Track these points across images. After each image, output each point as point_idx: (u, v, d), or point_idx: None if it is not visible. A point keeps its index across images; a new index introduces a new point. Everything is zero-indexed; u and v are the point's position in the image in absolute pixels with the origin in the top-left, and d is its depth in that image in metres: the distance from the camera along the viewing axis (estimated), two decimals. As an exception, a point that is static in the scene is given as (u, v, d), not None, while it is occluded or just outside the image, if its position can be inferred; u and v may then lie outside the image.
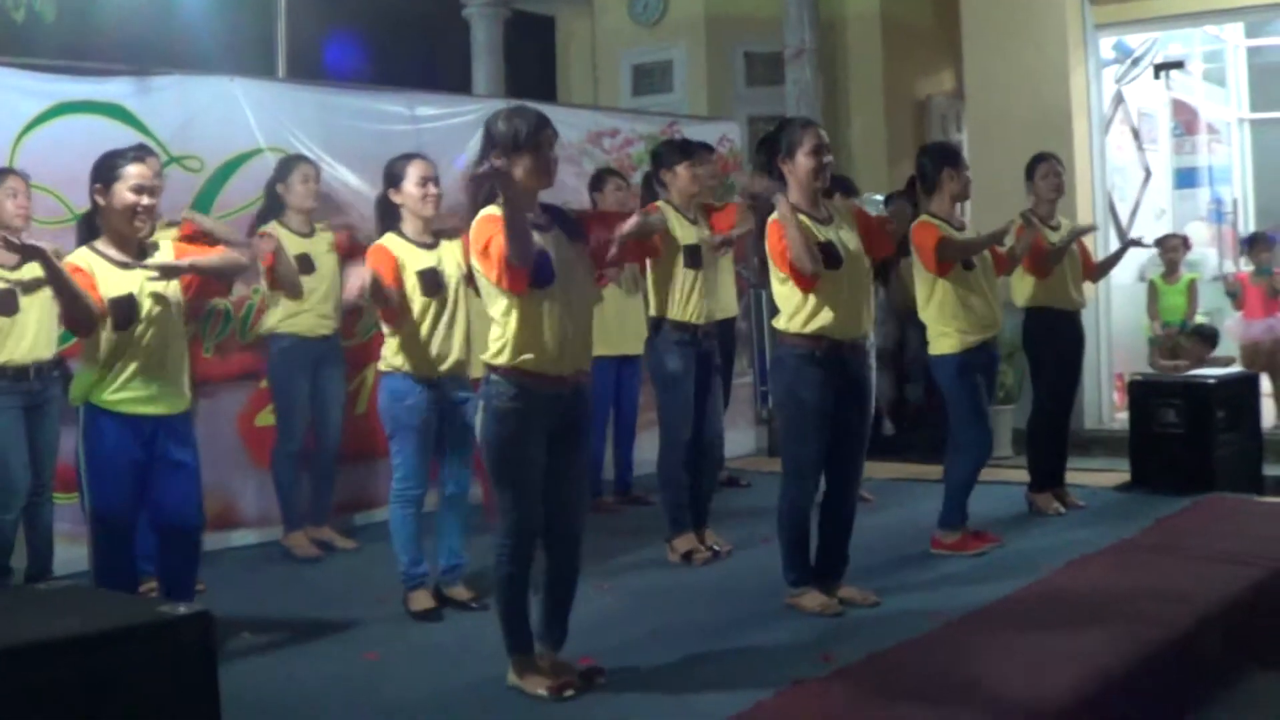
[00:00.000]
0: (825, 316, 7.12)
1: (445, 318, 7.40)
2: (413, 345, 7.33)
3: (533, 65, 18.47)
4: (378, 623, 7.33)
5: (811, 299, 7.11)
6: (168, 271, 6.31)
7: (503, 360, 5.84)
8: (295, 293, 8.76)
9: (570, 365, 5.96)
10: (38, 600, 4.70)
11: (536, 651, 6.10)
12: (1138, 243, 10.48)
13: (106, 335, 6.20)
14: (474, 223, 5.83)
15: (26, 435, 7.78)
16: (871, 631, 6.78)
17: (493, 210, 5.79)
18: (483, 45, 17.53)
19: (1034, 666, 6.08)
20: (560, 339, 5.86)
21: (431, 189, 7.47)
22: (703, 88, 15.93)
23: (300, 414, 9.00)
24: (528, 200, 5.82)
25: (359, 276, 7.19)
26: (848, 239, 7.25)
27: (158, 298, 6.27)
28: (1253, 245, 13.60)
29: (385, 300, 7.24)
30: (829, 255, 7.09)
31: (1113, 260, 10.33)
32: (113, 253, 6.27)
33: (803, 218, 7.06)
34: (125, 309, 6.19)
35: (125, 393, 6.21)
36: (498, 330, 5.88)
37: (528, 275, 5.70)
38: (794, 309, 7.20)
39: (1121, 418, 12.36)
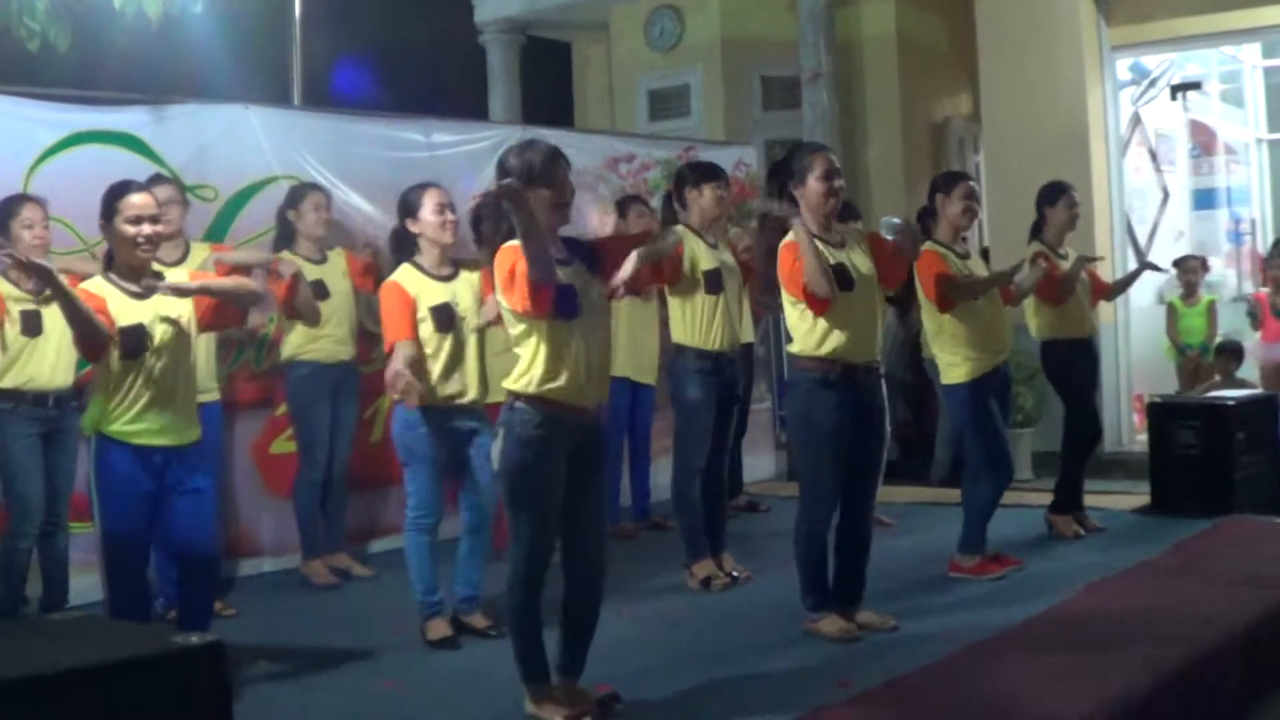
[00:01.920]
0: (838, 339, 7.11)
1: (459, 351, 7.39)
2: (426, 377, 7.31)
3: (549, 91, 18.51)
4: (395, 651, 7.32)
5: (823, 322, 7.10)
6: (179, 291, 6.32)
7: (528, 388, 5.84)
8: (314, 320, 8.78)
9: (593, 397, 5.99)
10: (51, 631, 4.69)
11: (554, 680, 6.07)
12: (1153, 266, 10.47)
13: (116, 364, 6.20)
14: (496, 256, 5.83)
15: (43, 463, 7.78)
16: (890, 657, 6.76)
17: (514, 243, 5.79)
18: (499, 71, 17.58)
19: (1053, 691, 6.04)
20: (585, 370, 5.87)
21: (449, 215, 7.46)
22: (719, 112, 15.93)
23: (322, 441, 9.00)
24: (545, 229, 5.78)
25: (402, 356, 7.18)
26: (859, 262, 7.24)
27: (170, 327, 6.28)
28: (1269, 264, 13.58)
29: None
30: (841, 278, 7.08)
31: (1127, 282, 10.34)
32: (125, 283, 6.29)
33: (815, 242, 7.06)
34: (136, 338, 6.19)
35: (137, 424, 6.21)
36: (523, 358, 5.88)
37: (552, 296, 5.69)
38: (806, 332, 7.19)
39: (1141, 440, 12.32)
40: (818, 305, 7.05)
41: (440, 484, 7.43)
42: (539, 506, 5.88)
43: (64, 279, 6.10)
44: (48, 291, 7.24)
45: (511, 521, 5.97)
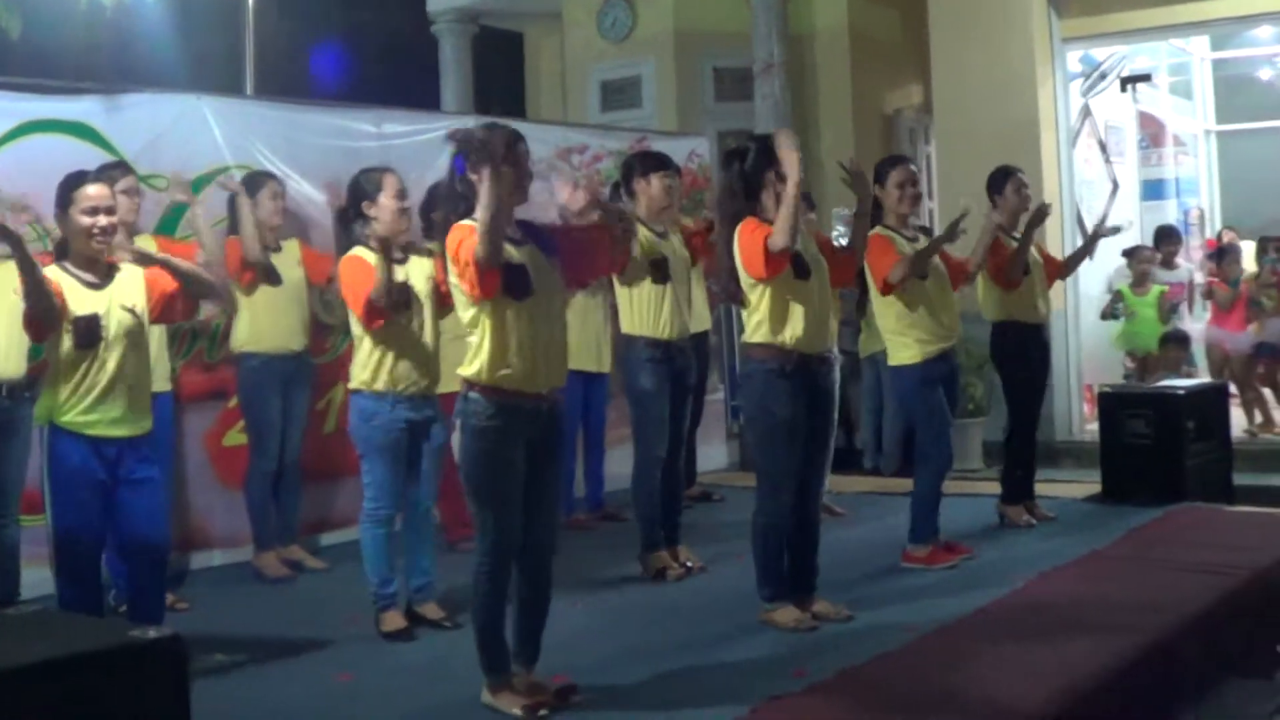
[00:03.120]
0: (793, 329, 7.12)
1: (414, 334, 7.34)
2: (381, 362, 7.28)
3: (501, 81, 18.50)
4: (350, 643, 7.29)
5: (779, 311, 7.12)
6: (143, 259, 6.33)
7: (480, 376, 5.82)
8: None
9: (546, 382, 5.96)
10: (5, 625, 4.66)
11: (511, 670, 6.07)
12: (1105, 231, 10.45)
13: (68, 353, 6.17)
14: (448, 235, 5.82)
15: None
16: (845, 646, 6.78)
17: (465, 222, 5.78)
18: (451, 61, 17.55)
19: (1009, 678, 6.10)
20: (536, 354, 5.85)
21: (404, 202, 7.43)
22: (672, 103, 15.92)
23: (273, 432, 8.94)
24: (505, 210, 5.78)
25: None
26: (814, 251, 7.27)
27: (125, 317, 6.26)
28: (1221, 258, 13.68)
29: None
30: (798, 266, 7.10)
31: (1080, 254, 10.30)
32: (80, 273, 6.27)
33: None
34: (90, 328, 6.16)
35: (90, 414, 6.18)
36: (474, 343, 5.86)
37: (498, 279, 5.68)
38: (759, 322, 7.19)
39: (1091, 429, 12.38)
40: (772, 264, 7.03)
41: (399, 475, 7.37)
42: (500, 497, 5.86)
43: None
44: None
45: (475, 513, 5.95)
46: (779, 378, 7.17)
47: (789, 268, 7.06)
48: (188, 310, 6.70)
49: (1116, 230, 10.91)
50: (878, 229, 8.42)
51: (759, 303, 7.19)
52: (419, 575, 7.60)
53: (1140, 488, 10.01)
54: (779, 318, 7.14)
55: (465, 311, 5.90)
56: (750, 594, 7.41)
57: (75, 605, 6.09)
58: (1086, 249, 10.31)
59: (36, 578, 7.87)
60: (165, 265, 6.42)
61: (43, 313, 6.11)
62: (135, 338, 6.34)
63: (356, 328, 7.33)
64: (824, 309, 7.26)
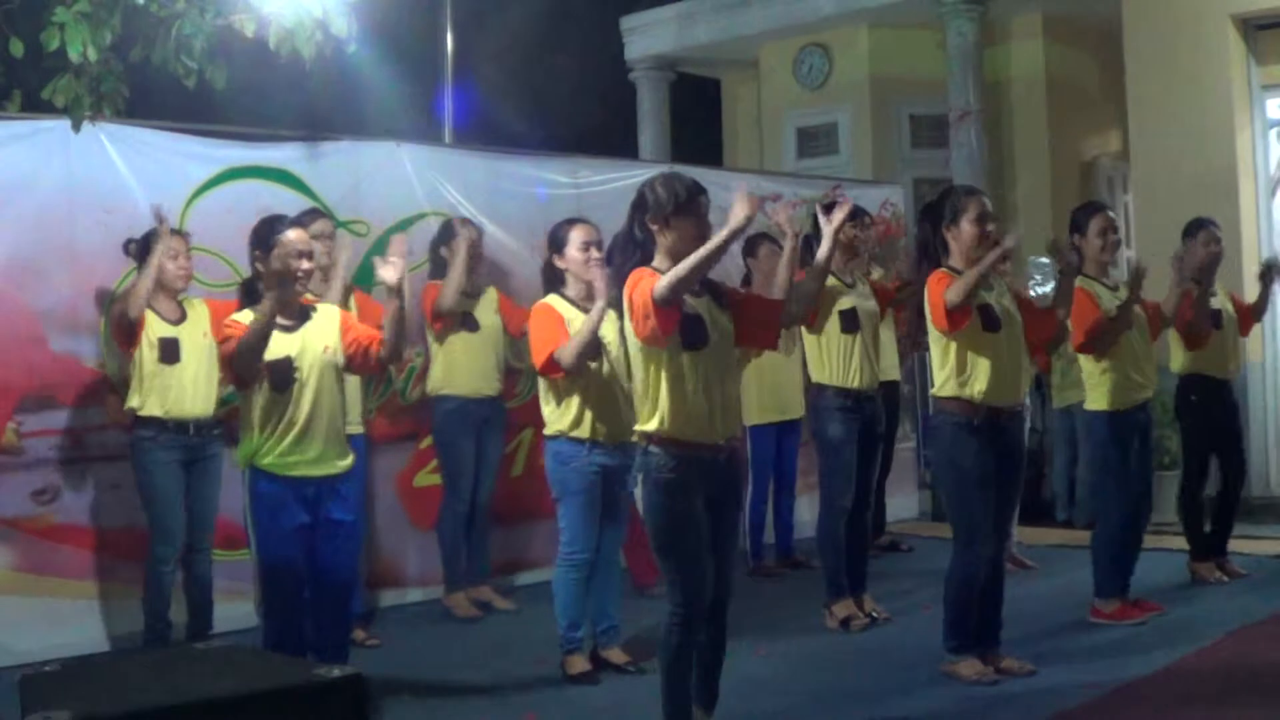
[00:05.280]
0: (982, 382, 7.12)
1: (606, 382, 7.43)
2: (575, 409, 7.38)
3: (698, 128, 18.58)
4: (536, 684, 7.41)
5: (969, 365, 7.12)
6: (393, 286, 6.46)
7: (658, 429, 5.84)
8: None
9: (723, 432, 5.95)
10: (196, 659, 4.79)
11: (692, 716, 6.08)
12: (1271, 266, 10.22)
13: (264, 397, 6.32)
14: (626, 281, 5.87)
15: (185, 489, 7.96)
16: (1024, 702, 6.77)
17: (643, 269, 5.84)
18: (649, 108, 17.66)
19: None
20: (712, 404, 5.86)
21: (594, 253, 7.49)
22: (867, 150, 15.90)
23: (467, 474, 9.10)
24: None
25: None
26: (1008, 304, 7.25)
27: (318, 359, 6.39)
28: None
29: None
30: (987, 318, 7.09)
31: (1264, 296, 10.04)
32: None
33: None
34: (283, 371, 6.31)
35: (288, 456, 6.33)
36: (649, 396, 5.87)
37: (676, 318, 5.71)
38: (949, 375, 7.19)
39: (1289, 484, 12.18)
40: (951, 318, 7.05)
41: (594, 519, 7.43)
42: (686, 547, 5.86)
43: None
44: (181, 325, 7.44)
45: (662, 565, 5.96)
46: (967, 432, 7.17)
47: (978, 319, 7.05)
48: (378, 366, 6.79)
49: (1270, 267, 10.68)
50: (1079, 281, 8.35)
51: (947, 355, 7.19)
52: (605, 619, 7.67)
53: (1340, 545, 9.84)
54: (967, 370, 7.14)
55: (640, 369, 5.91)
56: (935, 647, 7.39)
57: (279, 642, 6.25)
58: (1267, 288, 10.08)
59: (230, 612, 8.10)
60: (397, 296, 6.51)
61: (249, 367, 6.26)
62: (329, 378, 6.48)
63: (548, 373, 7.43)
64: (1014, 362, 7.24)
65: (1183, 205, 11.29)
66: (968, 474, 7.19)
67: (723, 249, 5.62)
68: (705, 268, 5.64)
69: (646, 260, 5.90)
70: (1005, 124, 15.66)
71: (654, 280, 5.67)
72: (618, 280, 6.00)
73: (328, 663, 4.89)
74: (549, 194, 10.26)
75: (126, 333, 7.82)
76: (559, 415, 7.41)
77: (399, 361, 7.08)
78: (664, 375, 5.81)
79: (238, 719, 3.97)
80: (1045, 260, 7.87)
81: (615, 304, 7.07)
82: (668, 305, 5.64)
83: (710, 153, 17.83)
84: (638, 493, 5.97)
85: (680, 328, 5.75)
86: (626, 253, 6.01)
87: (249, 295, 6.55)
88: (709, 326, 5.88)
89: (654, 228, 5.89)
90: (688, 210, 5.85)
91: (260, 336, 6.18)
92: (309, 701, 4.17)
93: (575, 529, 7.44)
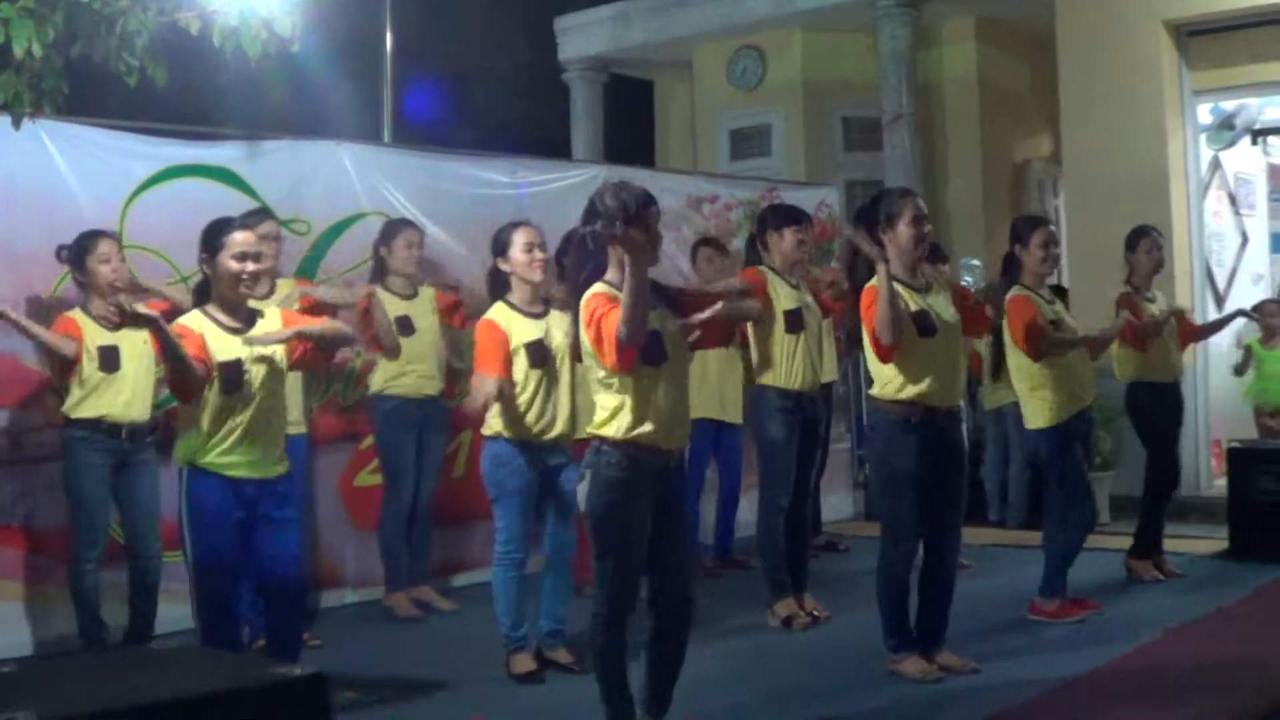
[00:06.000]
0: (920, 384, 7.19)
1: (550, 386, 7.45)
2: (517, 412, 7.39)
3: (631, 129, 18.59)
4: (480, 684, 7.40)
5: (906, 367, 7.18)
6: (277, 342, 6.41)
7: (615, 434, 5.85)
8: (393, 353, 8.90)
9: (678, 440, 6.01)
10: (153, 660, 4.76)
11: (638, 717, 6.09)
12: (1246, 313, 10.45)
13: (213, 399, 6.27)
14: (583, 300, 5.88)
15: (115, 493, 7.93)
16: (970, 699, 6.82)
17: (600, 288, 5.86)
18: (582, 109, 17.68)
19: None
20: (670, 414, 5.90)
21: (538, 254, 7.51)
22: (801, 152, 15.97)
23: (408, 474, 9.10)
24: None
25: (483, 392, 7.29)
26: (943, 307, 7.31)
27: (264, 364, 6.36)
28: None
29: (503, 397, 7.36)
30: (923, 324, 7.16)
31: (1217, 326, 10.31)
32: (223, 318, 6.35)
33: (900, 287, 7.10)
34: (233, 373, 6.26)
35: (229, 456, 6.27)
36: (610, 404, 5.88)
37: (636, 355, 5.73)
38: (889, 376, 7.25)
39: (1219, 485, 12.29)
40: (882, 351, 7.13)
41: (529, 520, 7.49)
42: (624, 547, 5.90)
43: (170, 329, 6.14)
44: (120, 331, 7.41)
45: (596, 563, 5.98)
46: (904, 431, 7.24)
47: (913, 327, 7.12)
48: (324, 358, 6.80)
49: (1253, 317, 10.87)
50: (1016, 289, 8.44)
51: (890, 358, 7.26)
52: (550, 620, 7.68)
53: (1269, 545, 9.94)
54: (906, 372, 7.20)
55: (599, 371, 5.92)
56: (877, 644, 7.45)
57: (215, 640, 6.18)
58: (1224, 323, 10.28)
59: (171, 613, 8.06)
60: (297, 337, 6.48)
61: (186, 382, 6.20)
62: (275, 382, 6.45)
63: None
64: (951, 364, 7.32)
65: (1114, 209, 11.42)
66: (898, 472, 7.27)
67: (640, 279, 5.56)
68: (639, 304, 5.58)
69: (599, 272, 5.92)
70: (938, 127, 15.78)
71: (614, 315, 5.65)
72: (573, 293, 6.02)
73: (282, 661, 4.87)
74: (488, 194, 10.25)
75: (56, 365, 7.85)
76: (495, 416, 7.43)
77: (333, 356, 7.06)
78: (628, 388, 5.83)
79: (202, 718, 3.96)
80: (976, 262, 7.93)
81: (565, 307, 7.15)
82: (630, 345, 5.65)
83: (643, 153, 17.86)
84: (581, 491, 5.94)
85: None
86: (580, 264, 6.02)
87: (202, 295, 6.50)
88: (665, 343, 5.89)
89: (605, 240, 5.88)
90: (637, 221, 5.78)
91: (173, 361, 6.09)
92: (272, 700, 4.16)
93: (512, 529, 7.47)
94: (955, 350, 7.36)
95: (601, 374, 5.90)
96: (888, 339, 7.04)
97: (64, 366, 7.81)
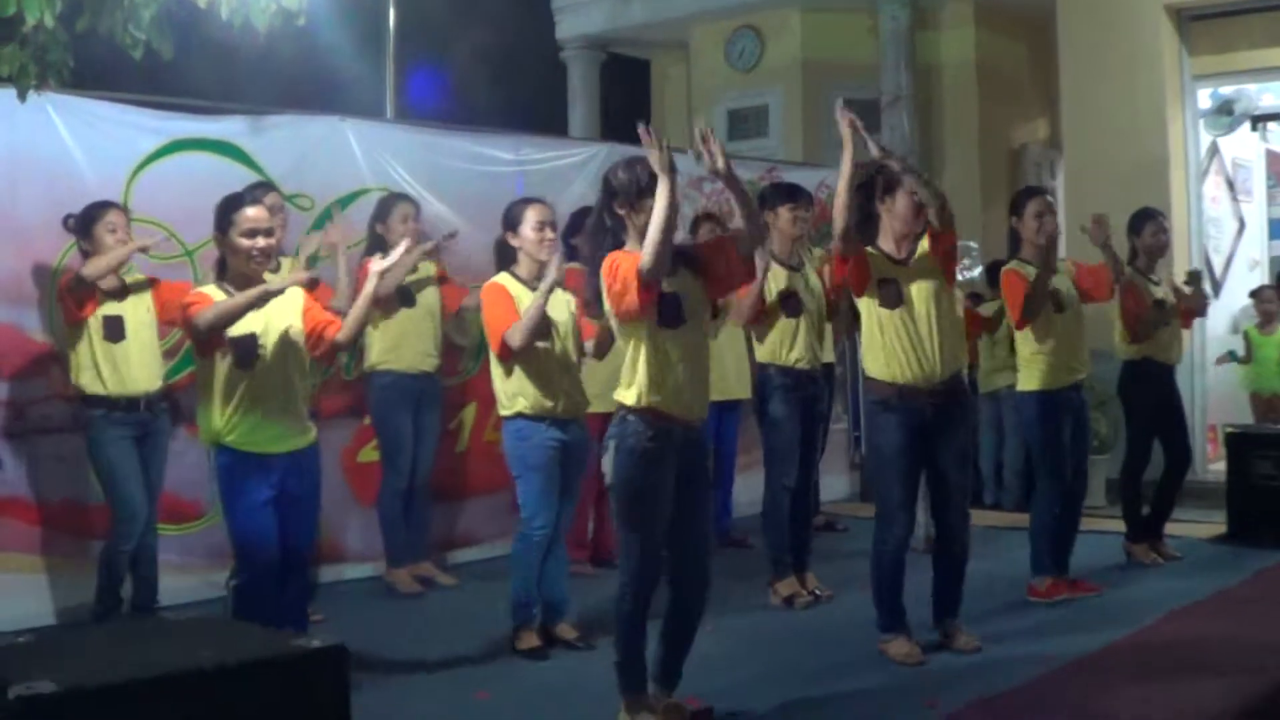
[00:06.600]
0: (898, 363, 7.26)
1: (557, 360, 7.45)
2: (527, 387, 7.38)
3: (628, 108, 18.56)
4: (485, 660, 7.42)
5: (886, 345, 7.27)
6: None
7: (638, 401, 5.89)
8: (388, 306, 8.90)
9: (697, 410, 6.04)
10: (171, 631, 4.79)
11: (649, 691, 6.12)
12: (1196, 275, 10.47)
13: (227, 373, 6.29)
14: (603, 265, 5.91)
15: (139, 466, 7.91)
16: (975, 678, 6.84)
17: (615, 252, 5.90)
18: (579, 87, 17.69)
19: (1141, 715, 6.11)
20: (687, 381, 5.93)
21: (548, 233, 7.53)
22: (798, 133, 15.95)
23: (405, 450, 9.10)
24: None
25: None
26: (923, 284, 7.33)
27: (282, 336, 6.38)
28: None
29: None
30: (887, 295, 7.29)
31: (1197, 298, 10.22)
32: (237, 292, 6.35)
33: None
34: (248, 347, 6.29)
35: (255, 433, 6.30)
36: (628, 368, 5.93)
37: (657, 295, 5.78)
38: (872, 356, 7.34)
39: (1215, 469, 12.33)
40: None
41: (554, 494, 7.45)
42: (650, 519, 5.93)
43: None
44: (125, 300, 7.41)
45: (622, 534, 6.03)
46: (883, 410, 7.32)
47: (879, 297, 7.17)
48: (331, 352, 6.76)
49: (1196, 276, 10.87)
50: (1011, 264, 8.49)
51: (872, 335, 7.34)
52: (555, 595, 7.68)
53: (1267, 529, 10.00)
54: (881, 350, 7.27)
55: (621, 338, 6.01)
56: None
57: (250, 613, 6.22)
58: (1197, 289, 10.26)
59: (179, 585, 8.07)
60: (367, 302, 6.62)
61: (219, 332, 6.24)
62: (292, 356, 6.47)
63: (502, 352, 7.45)
64: (932, 339, 7.31)
65: (1114, 193, 11.42)
66: (885, 452, 7.35)
67: (671, 198, 5.68)
68: (670, 223, 5.67)
69: (618, 246, 5.97)
70: (936, 110, 15.76)
71: (635, 258, 5.73)
72: (591, 269, 6.04)
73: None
74: (490, 171, 10.26)
75: (77, 298, 7.76)
76: (513, 395, 7.42)
77: (351, 348, 7.06)
78: (643, 350, 5.88)
79: (222, 689, 3.98)
80: (973, 244, 7.95)
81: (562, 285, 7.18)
82: (655, 278, 5.71)
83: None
84: (606, 463, 5.95)
85: (658, 307, 5.81)
86: (597, 240, 6.07)
87: (223, 271, 6.52)
88: (685, 306, 5.94)
89: (623, 212, 5.99)
90: (653, 191, 5.84)
91: (243, 309, 6.18)
92: (292, 671, 4.18)
93: (536, 505, 7.43)
94: (933, 325, 7.33)
95: (622, 335, 5.96)
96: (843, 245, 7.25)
97: (77, 303, 7.76)
